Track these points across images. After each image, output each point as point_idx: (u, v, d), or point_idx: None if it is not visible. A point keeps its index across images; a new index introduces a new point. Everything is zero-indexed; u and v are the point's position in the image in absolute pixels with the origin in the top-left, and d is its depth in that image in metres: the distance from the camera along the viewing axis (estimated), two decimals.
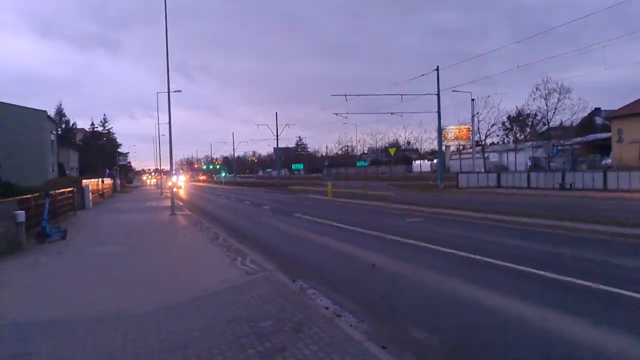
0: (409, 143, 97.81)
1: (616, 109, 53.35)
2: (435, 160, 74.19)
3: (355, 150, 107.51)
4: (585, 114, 60.27)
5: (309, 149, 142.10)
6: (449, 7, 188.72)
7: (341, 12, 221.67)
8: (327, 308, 6.75)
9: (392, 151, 62.76)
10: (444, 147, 58.23)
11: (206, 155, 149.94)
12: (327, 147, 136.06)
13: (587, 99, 79.90)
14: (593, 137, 60.05)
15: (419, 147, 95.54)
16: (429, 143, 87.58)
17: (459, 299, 7.23)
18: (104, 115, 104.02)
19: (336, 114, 56.66)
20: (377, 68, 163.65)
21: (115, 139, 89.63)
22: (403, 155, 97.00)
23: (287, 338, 5.35)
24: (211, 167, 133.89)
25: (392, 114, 46.71)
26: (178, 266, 10.09)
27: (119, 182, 60.09)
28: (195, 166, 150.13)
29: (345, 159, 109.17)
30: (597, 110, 68.95)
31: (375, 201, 27.14)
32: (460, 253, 10.66)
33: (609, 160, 50.59)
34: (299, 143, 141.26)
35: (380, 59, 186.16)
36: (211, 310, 6.60)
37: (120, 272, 9.66)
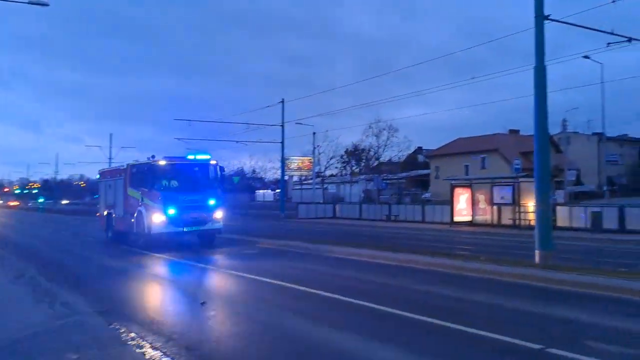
0: (254, 171, 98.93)
1: (434, 148, 61.12)
2: (278, 190, 76.03)
3: None
4: (410, 152, 67.77)
5: None
6: (298, 34, 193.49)
7: (193, 27, 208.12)
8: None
9: (236, 179, 62.73)
10: (287, 177, 60.08)
11: (21, 178, 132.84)
12: None
13: (412, 138, 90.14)
14: (415, 173, 67.56)
15: (263, 176, 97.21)
16: (273, 172, 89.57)
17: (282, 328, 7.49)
18: None
19: (179, 139, 52.75)
20: (225, 90, 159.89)
21: None
22: (247, 183, 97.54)
23: None
24: (25, 191, 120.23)
25: (237, 142, 47.09)
26: None
27: None
28: (6, 190, 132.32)
29: None
30: (419, 149, 77.90)
31: None
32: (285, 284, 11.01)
33: (428, 194, 57.28)
34: None
35: (230, 80, 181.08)
36: None
37: None
